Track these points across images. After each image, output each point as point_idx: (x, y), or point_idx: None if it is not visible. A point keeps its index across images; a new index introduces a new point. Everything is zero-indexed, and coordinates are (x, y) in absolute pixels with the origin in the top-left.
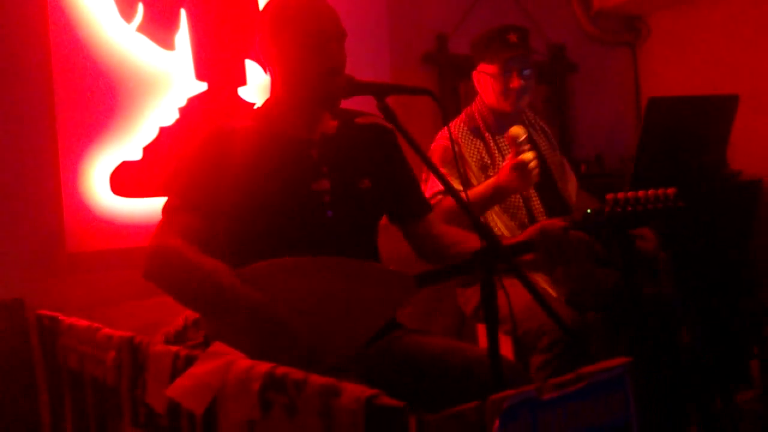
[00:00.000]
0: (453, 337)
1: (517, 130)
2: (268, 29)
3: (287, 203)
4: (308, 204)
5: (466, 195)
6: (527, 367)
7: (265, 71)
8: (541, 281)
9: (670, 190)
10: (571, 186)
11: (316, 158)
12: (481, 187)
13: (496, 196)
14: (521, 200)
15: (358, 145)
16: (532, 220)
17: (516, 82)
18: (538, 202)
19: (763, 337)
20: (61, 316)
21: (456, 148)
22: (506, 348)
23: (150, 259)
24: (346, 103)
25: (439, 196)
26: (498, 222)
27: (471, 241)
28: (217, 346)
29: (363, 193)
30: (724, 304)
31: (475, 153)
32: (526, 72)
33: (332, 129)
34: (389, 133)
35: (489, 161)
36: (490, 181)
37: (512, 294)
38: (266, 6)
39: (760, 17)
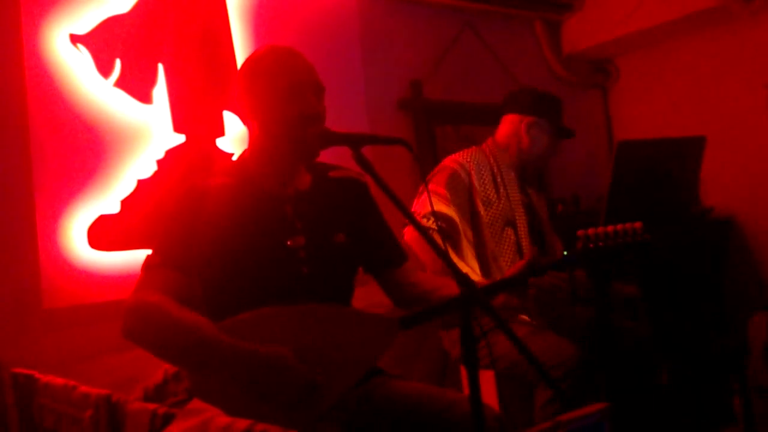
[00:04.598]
0: (436, 381)
1: None
2: (243, 81)
3: (263, 260)
4: (284, 260)
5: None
6: (530, 407)
7: (244, 123)
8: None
9: (637, 224)
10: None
11: (291, 214)
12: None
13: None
14: (514, 241)
15: (332, 200)
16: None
17: (556, 150)
18: (528, 242)
19: (744, 373)
20: (37, 374)
21: (467, 177)
22: (490, 393)
23: (129, 316)
24: (323, 156)
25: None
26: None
27: (449, 287)
28: (196, 404)
29: (338, 247)
30: (700, 341)
31: (482, 187)
32: None
33: (306, 184)
34: (363, 186)
35: (494, 197)
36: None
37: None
38: (244, 61)
39: (722, 58)
